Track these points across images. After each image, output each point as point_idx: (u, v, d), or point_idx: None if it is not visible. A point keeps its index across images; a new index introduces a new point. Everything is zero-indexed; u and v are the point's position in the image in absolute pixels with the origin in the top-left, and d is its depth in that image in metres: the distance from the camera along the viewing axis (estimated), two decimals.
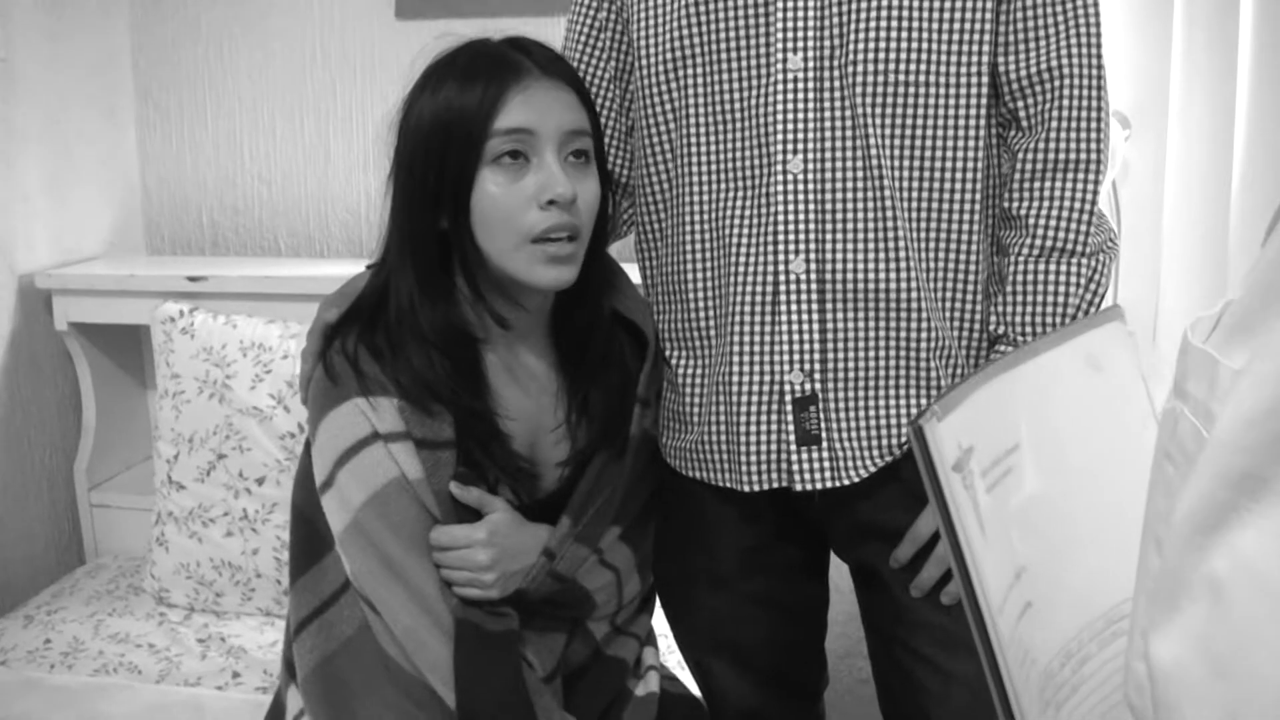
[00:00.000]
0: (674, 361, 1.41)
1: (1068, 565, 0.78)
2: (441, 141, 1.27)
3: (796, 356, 1.30)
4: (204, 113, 2.47)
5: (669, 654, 1.69)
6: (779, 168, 1.28)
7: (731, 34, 1.29)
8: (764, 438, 1.32)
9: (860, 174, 1.28)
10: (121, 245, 2.48)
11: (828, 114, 1.28)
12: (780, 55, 1.28)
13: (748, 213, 1.31)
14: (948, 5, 1.27)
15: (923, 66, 1.27)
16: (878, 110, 1.27)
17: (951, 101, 1.28)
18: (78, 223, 2.36)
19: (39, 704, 1.75)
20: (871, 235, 1.28)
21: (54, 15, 2.27)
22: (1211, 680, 0.49)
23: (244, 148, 2.46)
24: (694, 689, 1.57)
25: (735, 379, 1.33)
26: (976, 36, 1.28)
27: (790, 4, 1.27)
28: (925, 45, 1.27)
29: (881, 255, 1.29)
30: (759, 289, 1.31)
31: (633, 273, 1.49)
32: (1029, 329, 1.32)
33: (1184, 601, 0.51)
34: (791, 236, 1.29)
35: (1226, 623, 0.49)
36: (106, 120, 2.43)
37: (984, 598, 0.69)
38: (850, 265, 1.29)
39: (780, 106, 1.28)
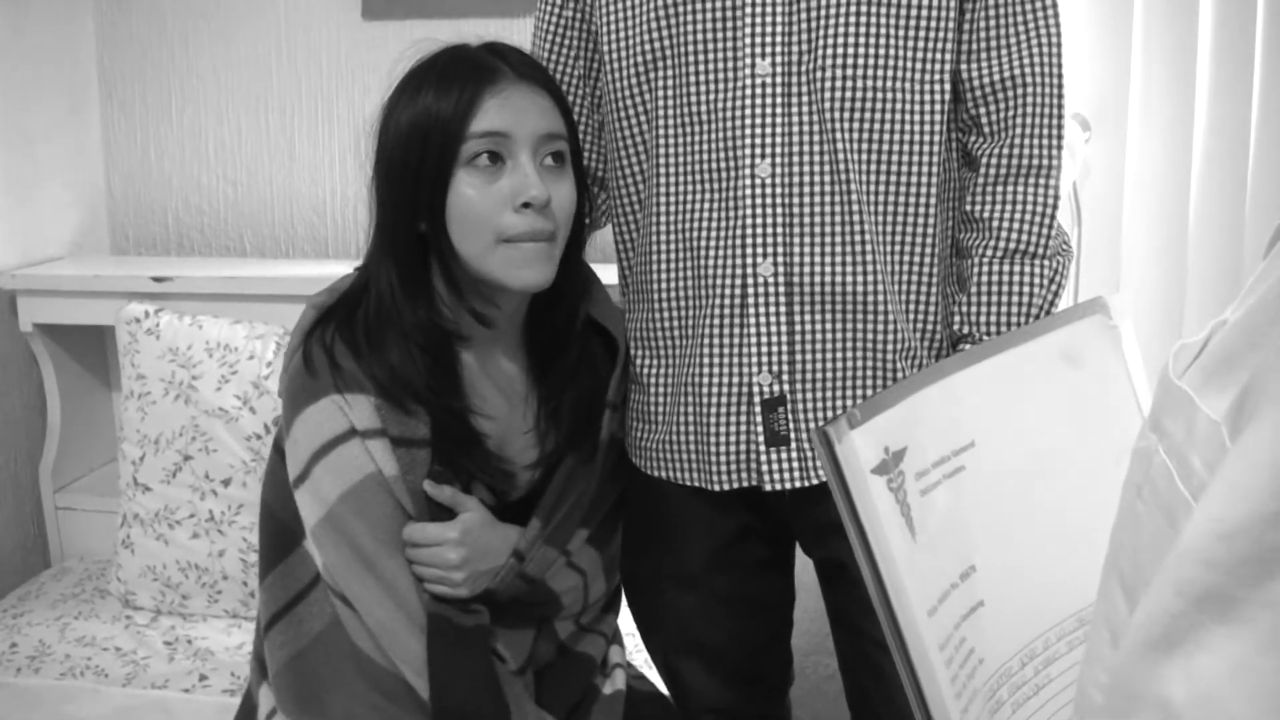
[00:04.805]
0: (641, 361, 1.42)
1: (1032, 564, 0.78)
2: (419, 144, 1.27)
3: (765, 358, 1.31)
4: (169, 111, 2.45)
5: (636, 652, 1.69)
6: (747, 172, 1.29)
7: (701, 38, 1.30)
8: (733, 438, 1.33)
9: (827, 178, 1.29)
10: (86, 246, 2.46)
11: (795, 119, 1.29)
12: (749, 60, 1.29)
13: (716, 216, 1.32)
14: (914, 13, 1.28)
15: (889, 73, 1.28)
16: (845, 116, 1.28)
17: (916, 107, 1.30)
18: (42, 223, 2.34)
19: (5, 708, 1.74)
20: (838, 239, 1.30)
21: (18, 10, 2.25)
22: None
23: (209, 147, 2.45)
24: (661, 687, 1.58)
25: (704, 380, 1.34)
26: (940, 44, 1.30)
27: (759, 9, 1.28)
28: (892, 52, 1.28)
29: (848, 258, 1.30)
30: (727, 292, 1.32)
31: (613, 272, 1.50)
32: (993, 329, 1.34)
33: (1135, 718, 0.48)
34: (759, 240, 1.30)
35: None
36: (70, 119, 2.41)
37: (900, 601, 0.68)
38: (818, 268, 1.30)
39: (749, 111, 1.29)
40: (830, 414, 1.32)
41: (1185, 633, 0.46)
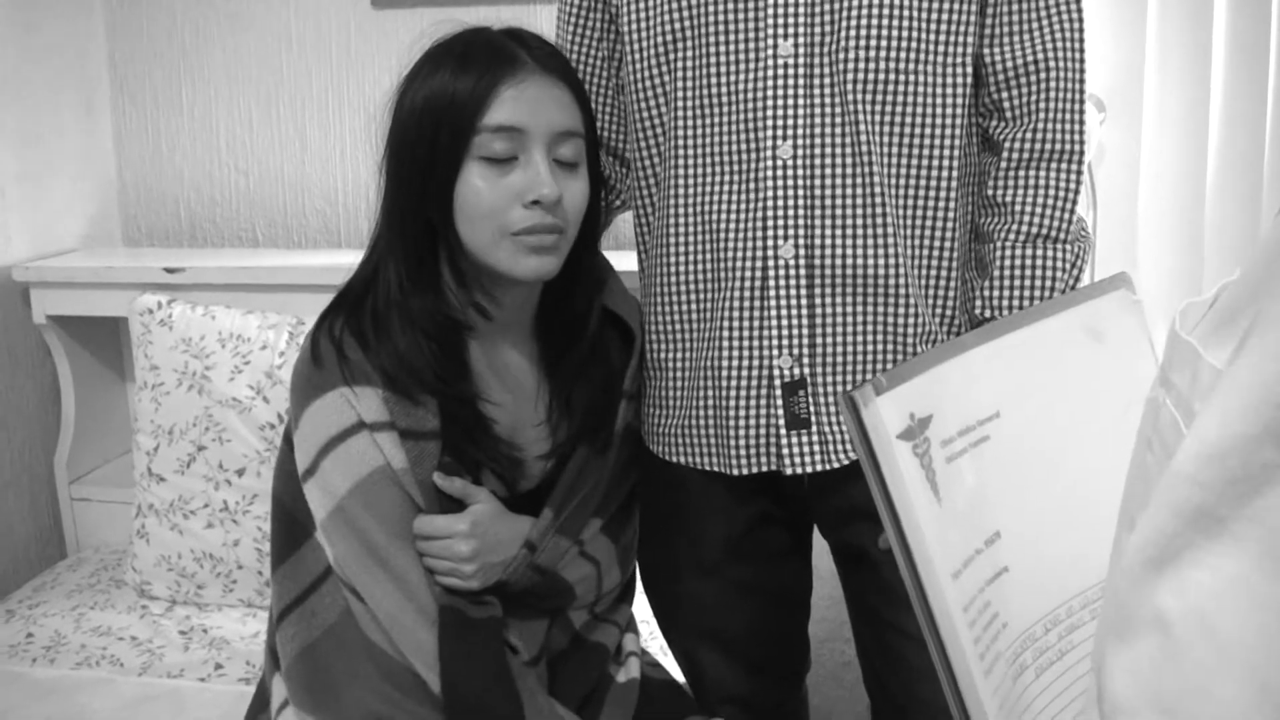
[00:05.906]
0: (658, 345, 1.41)
1: (1057, 533, 0.78)
2: (431, 129, 1.26)
3: (785, 341, 1.31)
4: (180, 103, 2.45)
5: (651, 639, 1.69)
6: (769, 153, 1.29)
7: (722, 19, 1.30)
8: (753, 422, 1.33)
9: (849, 160, 1.28)
10: (98, 237, 2.47)
11: (817, 100, 1.28)
12: (770, 41, 1.28)
13: (737, 198, 1.31)
14: None
15: (911, 55, 1.28)
16: (867, 97, 1.28)
17: (938, 90, 1.29)
18: (54, 215, 2.35)
19: (21, 698, 1.74)
20: (860, 221, 1.29)
21: (29, 5, 2.25)
22: None
23: (220, 138, 2.45)
24: (676, 674, 1.58)
25: (724, 364, 1.33)
26: (963, 27, 1.29)
27: None
28: (914, 34, 1.28)
29: (869, 240, 1.29)
30: (748, 274, 1.31)
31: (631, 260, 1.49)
32: (1014, 312, 1.33)
33: (1133, 634, 0.50)
34: (781, 222, 1.29)
35: (1174, 666, 0.48)
36: (82, 111, 2.42)
37: (924, 563, 0.69)
38: (839, 250, 1.29)
39: (770, 92, 1.28)
40: None
41: (1179, 551, 0.48)
